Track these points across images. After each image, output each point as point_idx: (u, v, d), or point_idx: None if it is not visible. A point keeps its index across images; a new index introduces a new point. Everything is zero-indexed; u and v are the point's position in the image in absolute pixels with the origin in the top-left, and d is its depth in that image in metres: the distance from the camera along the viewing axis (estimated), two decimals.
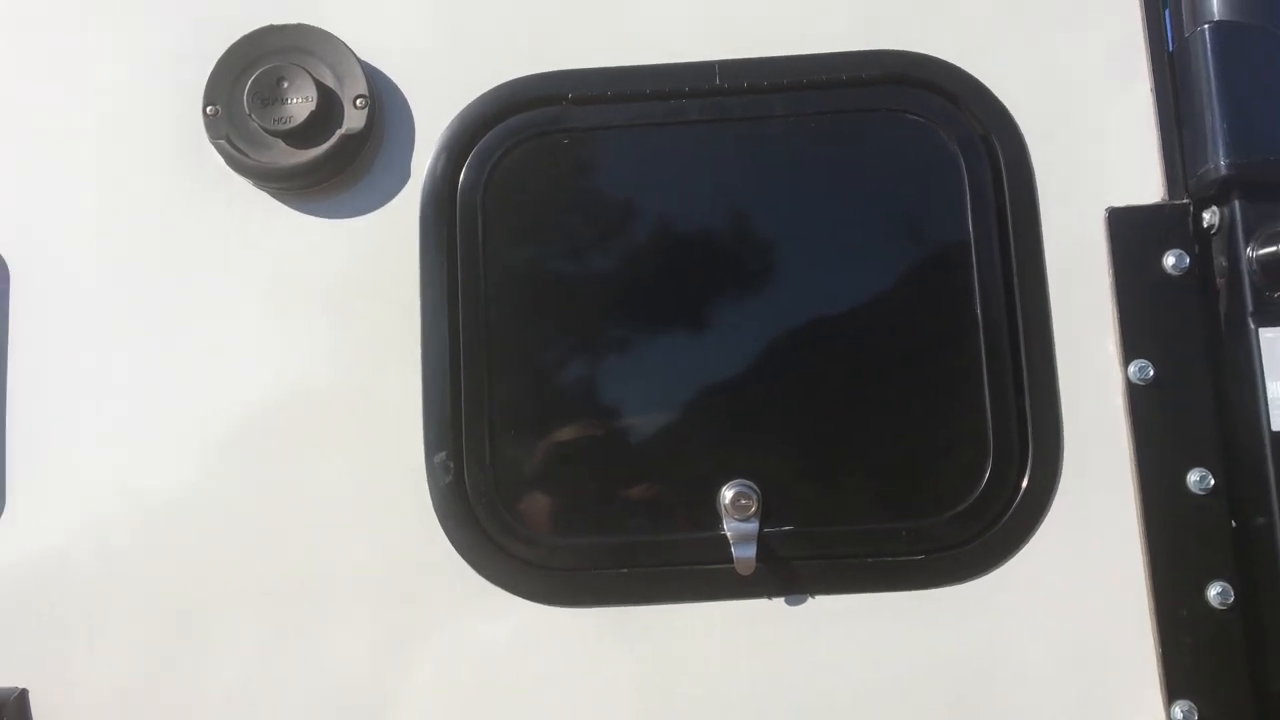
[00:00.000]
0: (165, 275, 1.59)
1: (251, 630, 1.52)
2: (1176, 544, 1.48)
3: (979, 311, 1.54)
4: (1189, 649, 1.47)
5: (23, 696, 1.51)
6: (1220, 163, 1.49)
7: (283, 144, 1.57)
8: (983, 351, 1.53)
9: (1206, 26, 1.52)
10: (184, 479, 1.56)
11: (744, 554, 1.49)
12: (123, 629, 1.53)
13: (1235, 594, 1.46)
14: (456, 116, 1.60)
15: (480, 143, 1.60)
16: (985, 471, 1.52)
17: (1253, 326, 1.48)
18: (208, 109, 1.59)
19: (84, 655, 1.52)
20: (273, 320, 1.58)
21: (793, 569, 1.50)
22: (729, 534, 1.49)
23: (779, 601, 1.51)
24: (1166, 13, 1.60)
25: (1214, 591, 1.47)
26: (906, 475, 1.54)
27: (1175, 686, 1.46)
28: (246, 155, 1.57)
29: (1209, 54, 1.51)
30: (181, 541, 1.54)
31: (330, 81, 1.58)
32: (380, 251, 1.59)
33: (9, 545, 1.55)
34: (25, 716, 1.50)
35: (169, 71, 1.62)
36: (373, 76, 1.59)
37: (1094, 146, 1.57)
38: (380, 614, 1.52)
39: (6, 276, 1.60)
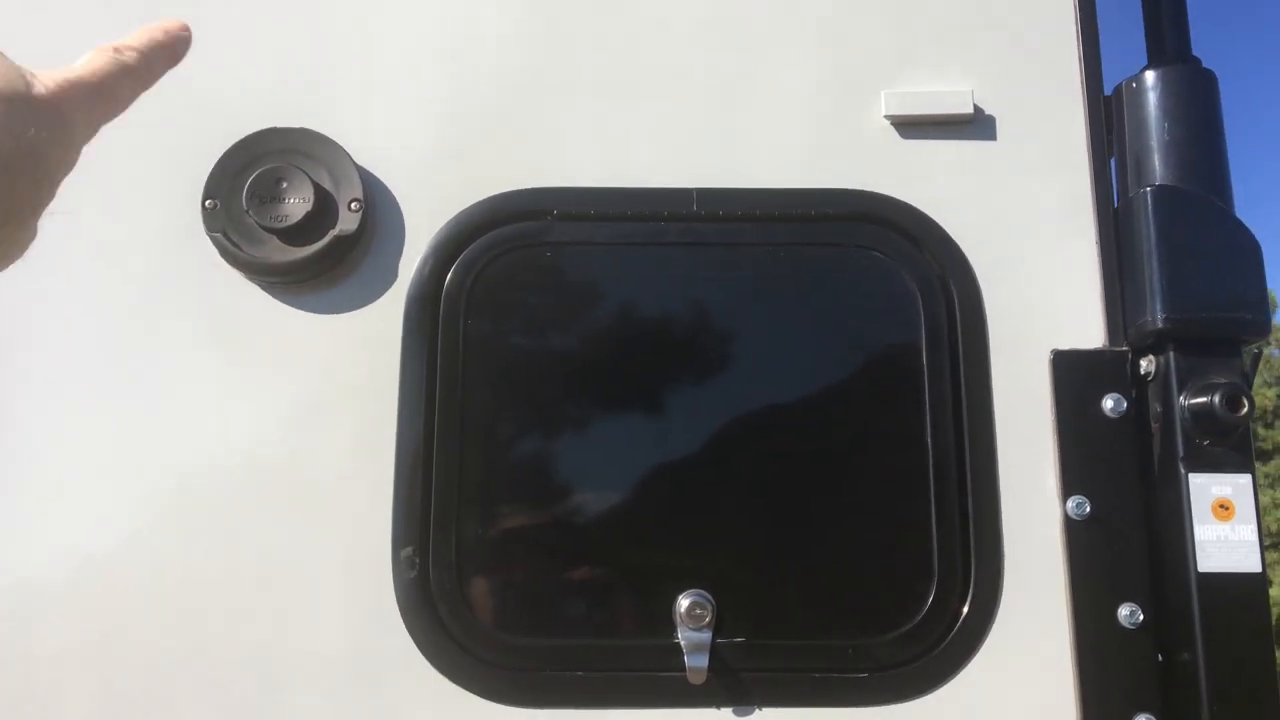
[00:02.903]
0: (152, 355, 1.64)
1: (205, 714, 1.55)
2: (1106, 674, 1.56)
3: (929, 442, 1.62)
4: None
5: None
6: (1157, 315, 1.60)
7: (277, 240, 1.64)
8: (931, 481, 1.61)
9: (1149, 189, 1.64)
10: (152, 556, 1.59)
11: (696, 663, 1.54)
12: (76, 701, 1.55)
13: None
14: (446, 223, 1.68)
15: (467, 250, 1.68)
16: (929, 596, 1.59)
17: (1183, 471, 1.57)
18: (206, 202, 1.65)
19: None
20: (252, 405, 1.63)
21: (743, 680, 1.56)
22: (682, 642, 1.55)
23: (728, 711, 1.56)
24: (1114, 172, 1.73)
25: None
26: (854, 595, 1.60)
27: None
28: (240, 249, 1.63)
29: (1150, 214, 1.63)
30: (138, 619, 1.57)
31: (327, 184, 1.65)
32: (363, 347, 1.65)
33: None
34: None
35: (171, 161, 1.69)
36: (368, 182, 1.67)
37: (1042, 292, 1.68)
38: (336, 702, 1.55)
39: None
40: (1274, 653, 1.57)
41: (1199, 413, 1.57)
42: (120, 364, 1.64)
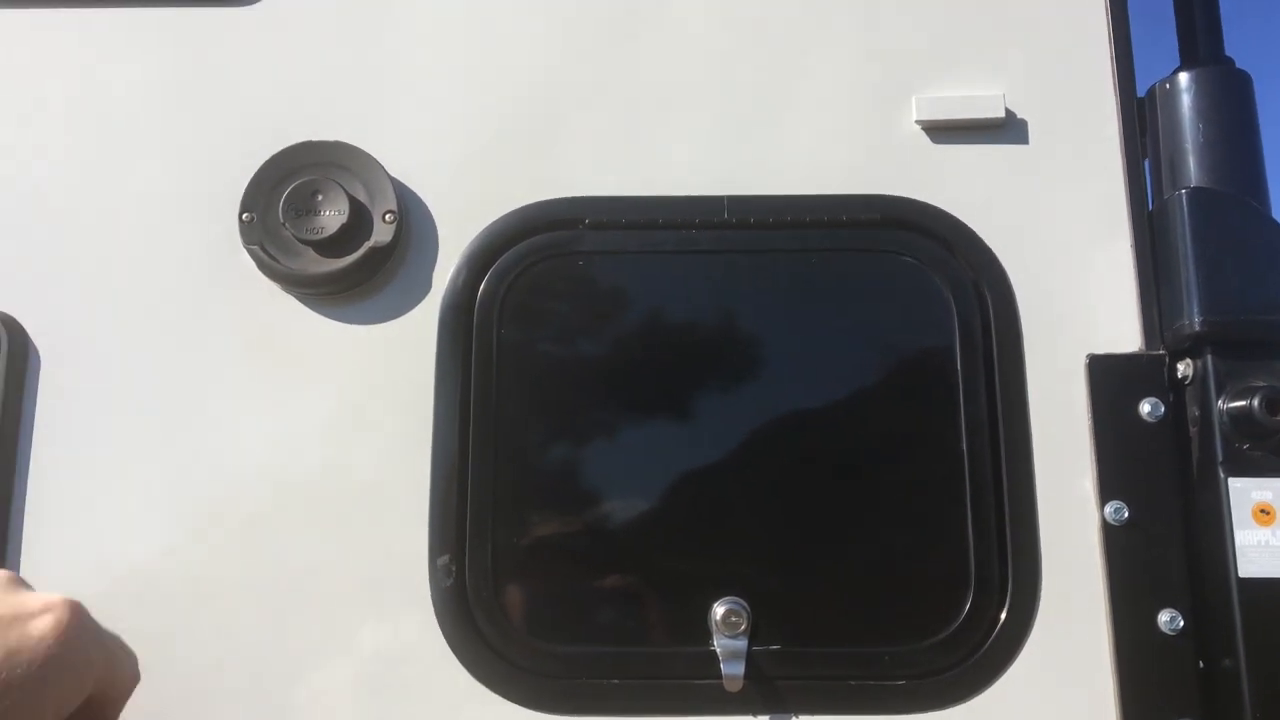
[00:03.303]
0: (190, 365, 1.66)
1: (249, 712, 1.56)
2: (1147, 681, 1.54)
3: (965, 448, 1.61)
4: None
5: None
6: (1195, 319, 1.59)
7: (313, 252, 1.66)
8: (967, 486, 1.60)
9: (1184, 191, 1.63)
10: (192, 565, 1.61)
11: (733, 671, 1.54)
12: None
13: None
14: (480, 233, 1.69)
15: (500, 259, 1.69)
16: (966, 602, 1.58)
17: (1222, 475, 1.56)
18: (244, 215, 1.67)
19: None
20: (290, 415, 1.65)
21: (779, 688, 1.55)
22: (718, 650, 1.55)
23: (763, 718, 1.55)
24: (1148, 175, 1.72)
25: None
26: (891, 602, 1.60)
27: None
28: (277, 261, 1.65)
29: (1185, 217, 1.62)
30: (180, 628, 1.58)
31: (362, 196, 1.67)
32: (398, 356, 1.66)
33: None
34: None
35: (209, 174, 1.71)
36: (402, 193, 1.69)
37: (1076, 296, 1.67)
38: (376, 709, 1.56)
39: (38, 361, 1.66)
40: None
41: (1238, 416, 1.56)
42: (159, 375, 1.66)
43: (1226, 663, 1.54)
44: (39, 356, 1.67)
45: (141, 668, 1.56)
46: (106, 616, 1.56)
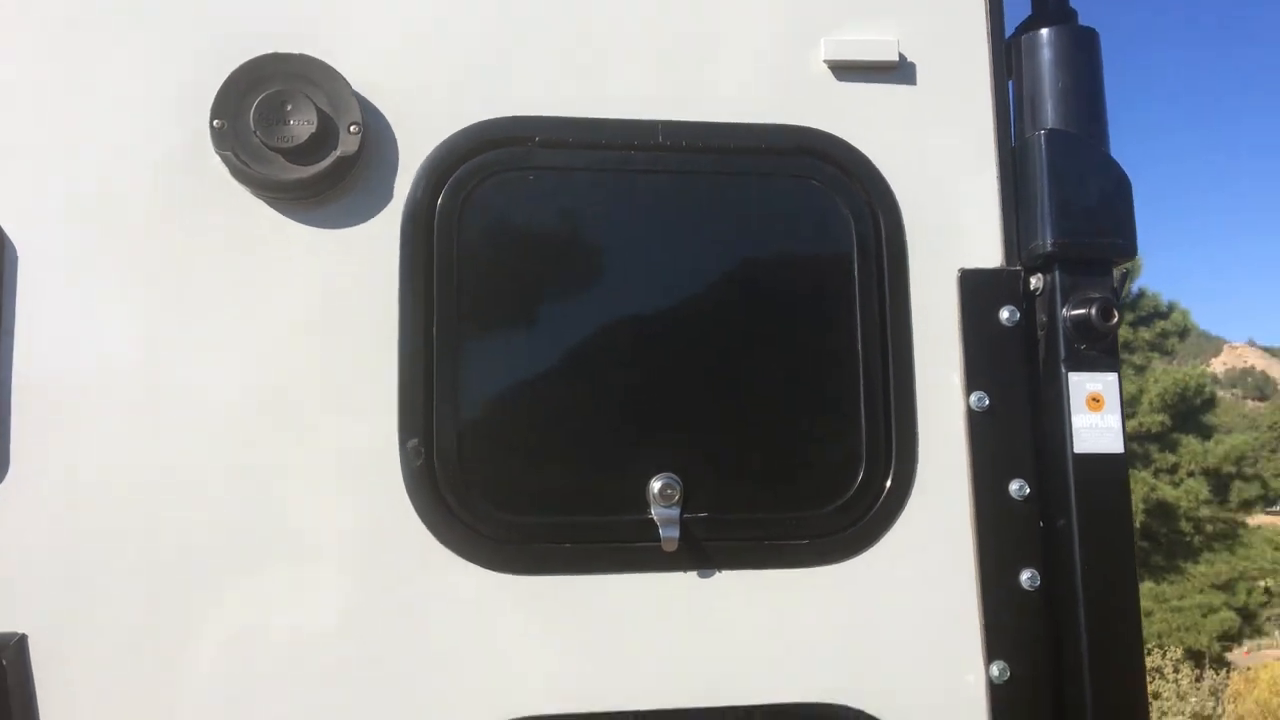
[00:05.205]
0: (166, 264, 1.77)
1: (243, 583, 1.73)
2: (1000, 537, 1.89)
3: (859, 345, 1.90)
4: (1005, 621, 1.88)
5: (22, 641, 1.66)
6: (1047, 240, 1.91)
7: (282, 159, 1.78)
8: (861, 378, 1.90)
9: (1041, 132, 1.95)
10: (176, 456, 1.74)
11: (669, 534, 1.80)
12: (123, 585, 1.70)
13: (1041, 578, 1.88)
14: (437, 147, 1.85)
15: (457, 172, 1.85)
16: (859, 474, 1.89)
17: (1064, 370, 1.91)
18: (214, 122, 1.77)
19: (86, 607, 1.69)
20: (261, 315, 1.79)
21: (706, 549, 1.83)
22: (656, 518, 1.80)
23: (693, 574, 1.83)
24: (1012, 115, 2.02)
25: (1025, 576, 1.88)
26: (798, 475, 1.89)
27: (994, 649, 1.87)
28: (249, 166, 1.77)
29: (1043, 154, 1.93)
30: (176, 510, 1.73)
31: (327, 108, 1.79)
32: (364, 260, 1.82)
33: (12, 507, 1.69)
34: (25, 661, 1.65)
35: (179, 82, 1.80)
36: (365, 106, 1.82)
37: (952, 218, 1.96)
38: (357, 577, 1.76)
39: (15, 258, 1.73)
40: (1132, 517, 1.93)
41: (1078, 322, 1.90)
42: (133, 274, 1.76)
43: (1061, 522, 1.90)
44: (15, 253, 1.74)
45: (133, 545, 1.71)
46: (93, 516, 1.69)
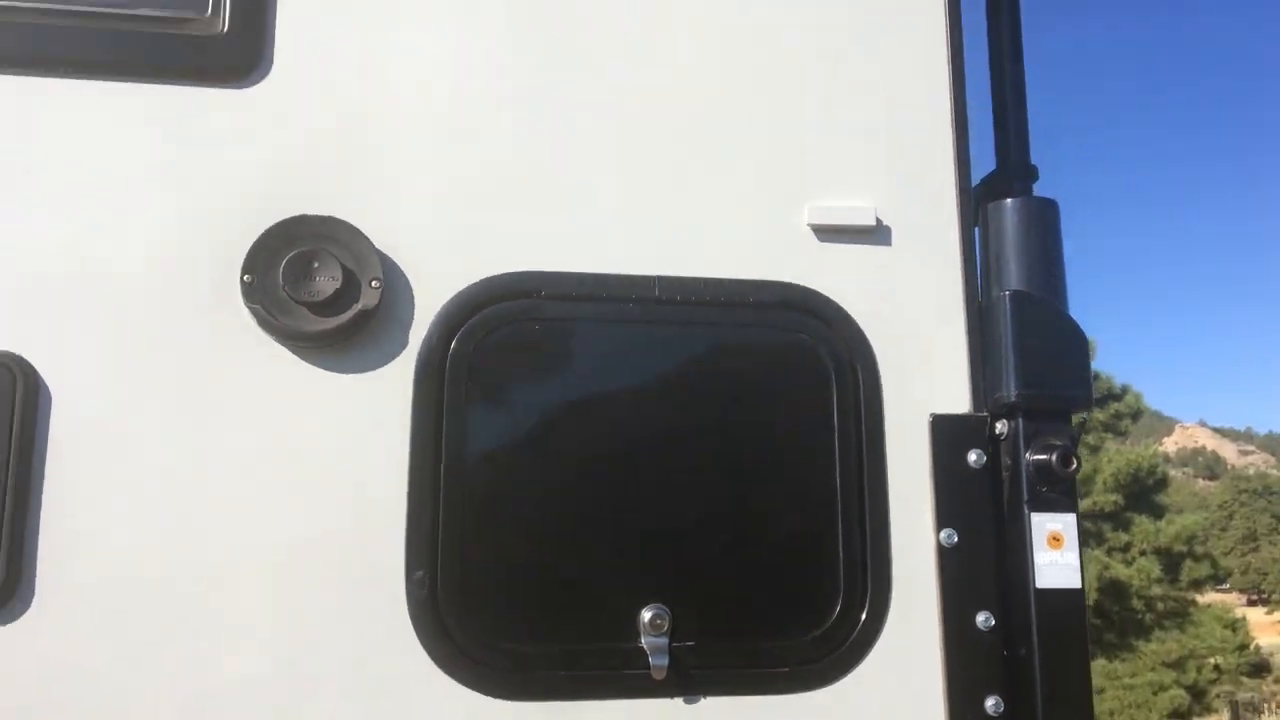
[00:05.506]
0: (191, 411, 1.90)
1: (247, 701, 1.84)
2: (966, 666, 2.04)
3: (838, 484, 2.06)
4: None
5: None
6: (1011, 391, 2.09)
7: (308, 312, 1.92)
8: (839, 515, 2.05)
9: (1007, 293, 2.13)
10: (189, 589, 1.86)
11: (659, 662, 1.93)
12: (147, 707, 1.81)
13: (1005, 704, 2.02)
14: (450, 299, 2.00)
15: (469, 322, 2.00)
16: (836, 605, 2.03)
17: (1027, 511, 2.07)
18: (245, 277, 1.91)
19: None
20: (283, 456, 1.91)
21: (694, 675, 1.96)
22: (646, 646, 1.93)
23: (681, 700, 1.95)
24: (979, 275, 2.20)
25: (990, 702, 2.02)
26: (780, 606, 2.03)
27: None
28: (276, 318, 1.91)
29: (1008, 313, 2.12)
30: (194, 641, 1.84)
31: (351, 264, 1.94)
32: (380, 403, 1.95)
33: (40, 639, 1.80)
34: None
35: (209, 237, 1.94)
36: (385, 261, 1.97)
37: (924, 367, 2.13)
38: (363, 702, 1.87)
39: (49, 400, 1.85)
40: (1089, 649, 2.09)
41: (1040, 466, 2.07)
42: (162, 420, 1.89)
43: (1023, 651, 2.05)
44: (50, 396, 1.86)
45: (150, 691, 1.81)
46: (117, 652, 1.80)
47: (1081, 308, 2.13)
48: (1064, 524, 2.07)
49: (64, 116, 1.96)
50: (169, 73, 1.99)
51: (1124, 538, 25.24)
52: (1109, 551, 24.95)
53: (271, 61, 2.02)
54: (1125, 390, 27.62)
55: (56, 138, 1.95)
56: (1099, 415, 26.24)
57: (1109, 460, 25.49)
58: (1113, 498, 25.16)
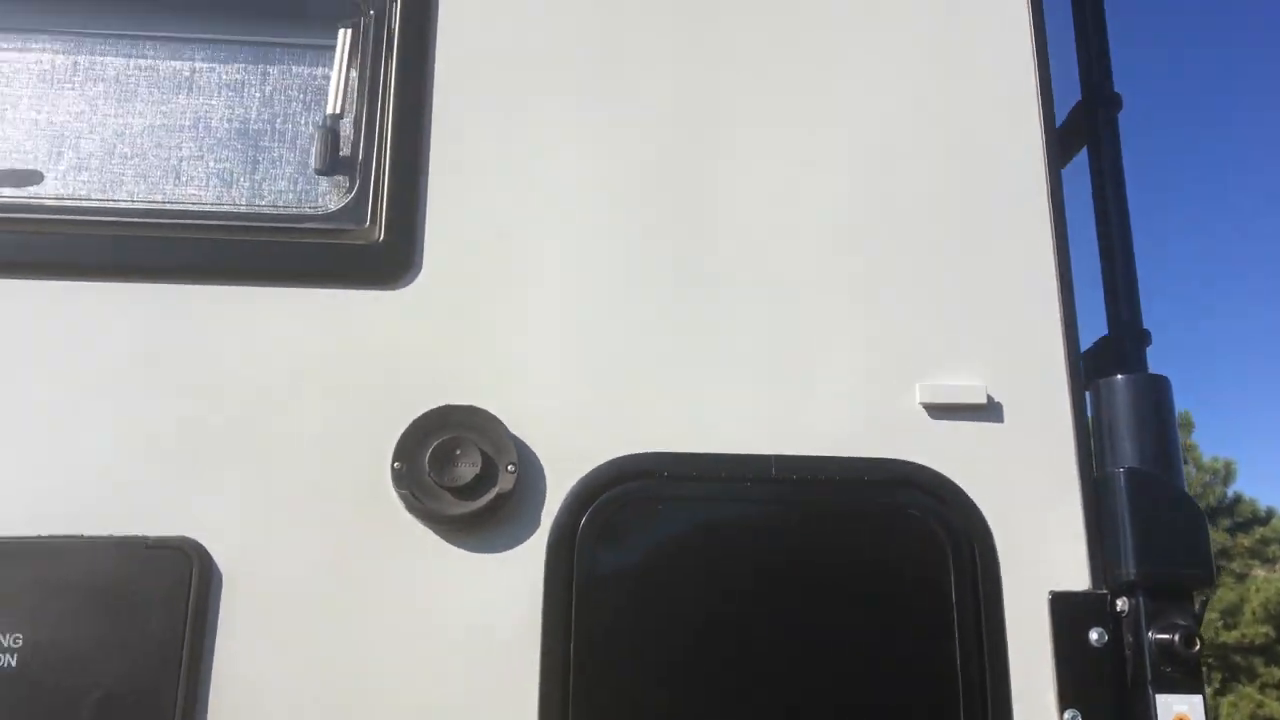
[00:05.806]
0: (346, 586, 2.05)
1: None
2: None
3: (958, 663, 2.09)
4: None
5: None
6: (1130, 569, 2.11)
7: (450, 496, 2.07)
8: (960, 694, 2.08)
9: (1122, 470, 2.16)
10: None
11: None
12: None
13: None
14: (580, 480, 2.13)
15: (596, 501, 2.12)
16: None
17: (1151, 692, 2.06)
18: (395, 464, 2.08)
19: None
20: (427, 632, 2.04)
21: None
22: None
23: None
24: (1093, 448, 2.24)
25: None
26: None
27: None
28: (422, 502, 2.06)
29: (1123, 490, 2.15)
30: None
31: (490, 450, 2.09)
32: (513, 581, 2.08)
33: None
34: None
35: (365, 426, 2.12)
36: (519, 447, 2.12)
37: (1041, 545, 2.17)
38: None
39: (221, 582, 2.03)
40: None
41: (1163, 646, 2.07)
42: (323, 599, 2.04)
43: None
44: (221, 579, 2.03)
45: None
46: None
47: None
48: (1190, 705, 2.06)
49: (244, 316, 2.19)
50: (334, 277, 2.21)
51: (1277, 673, 23.74)
52: (1262, 688, 23.48)
53: (421, 266, 2.22)
54: (1271, 514, 26.32)
55: (236, 336, 2.17)
56: (1244, 541, 25.02)
57: (1257, 590, 24.17)
58: (1263, 629, 23.78)
